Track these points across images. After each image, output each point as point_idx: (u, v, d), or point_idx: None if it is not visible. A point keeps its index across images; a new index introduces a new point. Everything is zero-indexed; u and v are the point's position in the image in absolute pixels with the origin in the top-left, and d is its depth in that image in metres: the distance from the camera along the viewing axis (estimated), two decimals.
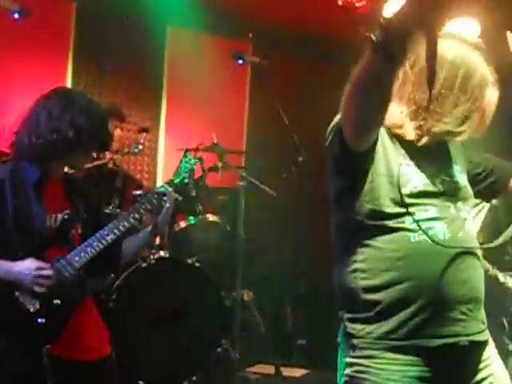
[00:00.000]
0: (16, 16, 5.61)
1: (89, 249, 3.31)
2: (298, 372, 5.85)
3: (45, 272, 3.18)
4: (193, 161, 3.81)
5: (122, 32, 6.55)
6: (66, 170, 3.41)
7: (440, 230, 2.27)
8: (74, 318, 3.28)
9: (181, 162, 3.80)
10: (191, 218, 5.43)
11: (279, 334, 6.14)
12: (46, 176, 3.32)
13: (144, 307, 4.87)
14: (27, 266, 3.16)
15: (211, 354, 5.03)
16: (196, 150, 5.38)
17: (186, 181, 3.76)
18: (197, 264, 5.10)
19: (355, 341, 2.28)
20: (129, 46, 6.62)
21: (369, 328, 2.26)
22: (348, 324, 2.32)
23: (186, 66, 6.73)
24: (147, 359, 4.82)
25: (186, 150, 3.96)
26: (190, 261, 5.09)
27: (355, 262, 2.30)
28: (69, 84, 6.30)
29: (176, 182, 3.72)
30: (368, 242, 2.28)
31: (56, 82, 5.93)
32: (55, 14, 6.22)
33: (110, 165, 5.28)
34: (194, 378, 4.90)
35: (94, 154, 4.43)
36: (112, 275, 4.55)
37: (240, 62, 6.06)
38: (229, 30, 6.82)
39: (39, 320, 3.17)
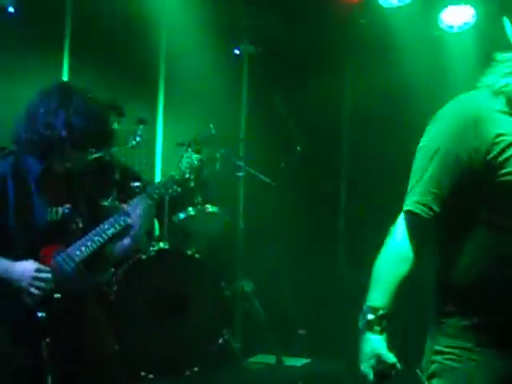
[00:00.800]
0: (11, 10, 5.60)
1: (89, 243, 3.33)
2: (299, 361, 5.88)
3: (43, 275, 3.21)
4: (194, 156, 3.81)
5: (118, 23, 6.53)
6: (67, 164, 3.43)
7: None
8: (75, 311, 3.31)
9: (182, 157, 3.81)
10: (190, 208, 5.43)
11: (280, 324, 6.17)
12: (47, 170, 3.34)
13: (144, 299, 4.90)
14: (26, 268, 3.19)
15: (212, 344, 5.06)
16: (194, 141, 5.38)
17: (187, 176, 3.77)
18: (196, 255, 5.13)
19: (449, 330, 2.28)
20: (125, 37, 6.60)
21: (464, 320, 2.25)
22: (442, 314, 2.31)
23: (183, 56, 6.72)
24: (149, 350, 4.85)
25: (188, 146, 3.95)
26: (189, 252, 5.13)
27: (459, 253, 2.27)
28: (65, 77, 6.29)
29: (177, 177, 3.72)
30: (472, 234, 2.24)
31: (53, 76, 5.94)
32: (51, 8, 6.20)
33: (108, 158, 5.28)
34: (196, 369, 4.93)
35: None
36: (112, 268, 4.58)
37: (236, 51, 6.07)
38: (224, 19, 6.80)
39: (39, 314, 3.18)
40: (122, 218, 3.43)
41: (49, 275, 3.22)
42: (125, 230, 3.45)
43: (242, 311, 5.92)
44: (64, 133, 3.25)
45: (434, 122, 2.34)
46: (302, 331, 6.46)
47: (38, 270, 3.20)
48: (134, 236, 3.44)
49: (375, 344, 2.25)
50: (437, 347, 2.31)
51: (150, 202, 3.48)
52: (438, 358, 2.29)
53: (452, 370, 2.26)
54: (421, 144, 2.33)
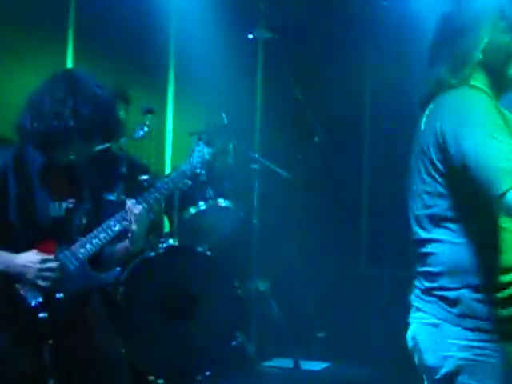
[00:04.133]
0: None
1: (94, 240, 3.33)
2: (318, 365, 5.87)
3: (49, 264, 3.20)
4: (205, 150, 3.80)
5: (126, 9, 6.52)
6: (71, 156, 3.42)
7: None
8: (78, 312, 3.30)
9: (193, 150, 3.79)
10: (201, 203, 5.42)
11: (298, 326, 6.16)
12: (50, 163, 3.33)
13: (153, 299, 4.89)
14: (30, 259, 3.18)
15: (226, 347, 5.05)
16: (206, 132, 5.37)
17: (198, 171, 3.76)
18: (208, 252, 5.12)
19: (478, 323, 2.35)
20: (133, 23, 6.59)
21: (497, 310, 2.34)
22: (472, 304, 2.38)
23: (194, 43, 6.71)
24: (158, 354, 4.84)
25: (199, 138, 3.94)
26: (200, 249, 5.11)
27: (491, 243, 2.38)
28: (69, 65, 6.29)
29: (188, 172, 3.71)
30: (506, 223, 2.37)
31: (56, 63, 5.94)
32: None
33: (115, 150, 5.28)
34: (208, 373, 4.92)
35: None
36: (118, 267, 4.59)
37: (250, 36, 6.05)
38: (237, 3, 6.78)
39: (41, 314, 3.18)
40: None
41: (55, 264, 3.21)
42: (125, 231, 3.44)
43: (257, 312, 5.90)
44: (72, 122, 3.23)
45: None
46: (320, 333, 6.45)
47: (43, 261, 3.19)
48: (131, 239, 3.43)
49: None
50: (462, 342, 2.36)
51: (146, 206, 3.45)
52: (465, 353, 2.35)
53: (485, 365, 2.33)
54: None
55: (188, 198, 5.39)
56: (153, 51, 6.85)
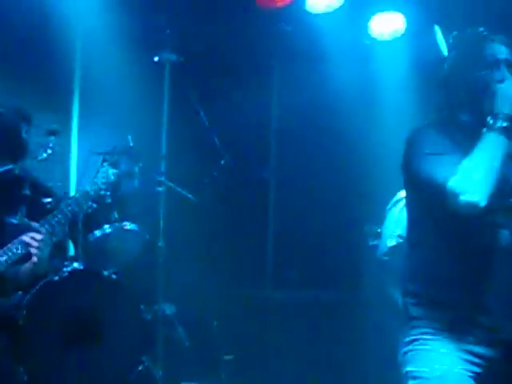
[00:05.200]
0: None
1: None
2: None
3: None
4: (110, 171, 3.79)
5: (30, 28, 6.43)
6: None
7: None
8: None
9: (97, 171, 3.78)
10: (107, 226, 5.36)
11: (205, 350, 6.13)
12: None
13: (57, 324, 4.77)
14: None
15: (131, 372, 4.97)
16: (111, 154, 5.32)
17: (103, 193, 3.74)
18: (113, 276, 5.04)
19: (415, 322, 2.81)
20: (38, 42, 6.50)
21: (429, 312, 2.78)
22: (411, 308, 2.84)
23: (100, 63, 6.66)
24: (62, 381, 4.74)
25: (103, 160, 3.93)
26: (106, 273, 5.03)
27: (427, 256, 2.81)
28: None
29: (91, 193, 3.69)
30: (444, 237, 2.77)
31: None
32: None
33: (17, 171, 5.18)
34: None
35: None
36: (20, 291, 4.50)
37: (156, 59, 6.04)
38: (145, 26, 6.77)
39: None
40: None
41: None
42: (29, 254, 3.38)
43: (163, 336, 5.85)
44: None
45: None
46: (227, 357, 6.43)
47: None
48: (34, 263, 3.37)
49: None
50: (407, 338, 2.81)
51: (49, 229, 3.41)
52: (409, 347, 2.80)
53: (420, 352, 2.76)
54: None
55: (93, 221, 5.32)
56: (57, 71, 6.76)
